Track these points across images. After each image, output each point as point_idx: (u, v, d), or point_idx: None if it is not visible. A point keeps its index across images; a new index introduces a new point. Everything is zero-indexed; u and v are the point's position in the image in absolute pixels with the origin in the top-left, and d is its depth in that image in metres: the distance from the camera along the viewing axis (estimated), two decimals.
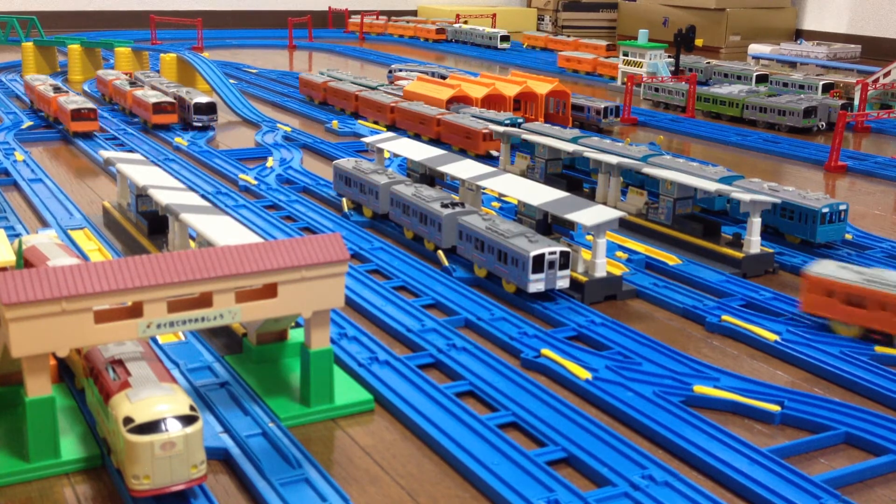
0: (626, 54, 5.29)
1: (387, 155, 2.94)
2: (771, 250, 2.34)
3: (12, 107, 4.38)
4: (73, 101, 3.77)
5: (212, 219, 1.93)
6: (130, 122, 4.10)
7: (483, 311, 1.99)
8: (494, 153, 3.47)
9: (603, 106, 4.03)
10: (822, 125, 4.24)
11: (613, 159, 2.67)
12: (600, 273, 2.09)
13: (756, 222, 2.28)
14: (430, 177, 2.78)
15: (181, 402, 1.27)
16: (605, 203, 2.70)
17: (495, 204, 2.81)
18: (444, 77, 4.69)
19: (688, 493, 1.32)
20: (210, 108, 3.92)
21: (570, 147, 2.90)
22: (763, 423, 1.57)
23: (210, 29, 7.85)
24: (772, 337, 1.87)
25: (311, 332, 1.49)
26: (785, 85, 5.03)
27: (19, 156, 3.33)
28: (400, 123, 3.91)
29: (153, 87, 4.30)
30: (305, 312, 1.45)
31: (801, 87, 4.92)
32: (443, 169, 2.57)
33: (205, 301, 1.37)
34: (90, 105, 3.74)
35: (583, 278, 2.08)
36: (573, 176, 3.06)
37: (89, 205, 2.78)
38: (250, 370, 1.66)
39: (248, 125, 4.13)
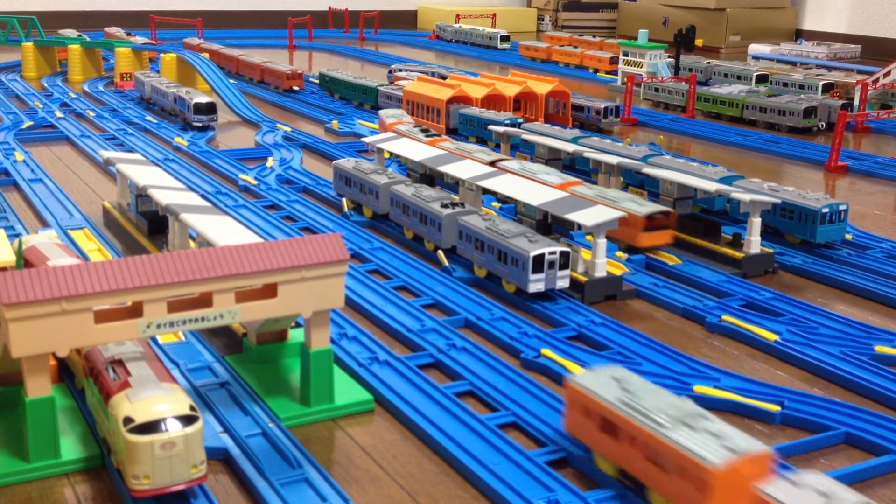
0: (626, 54, 5.29)
1: (387, 155, 2.94)
2: (771, 250, 2.34)
3: (12, 107, 4.38)
4: None
5: (212, 219, 1.93)
6: (130, 121, 4.10)
7: (483, 311, 1.99)
8: (296, 88, 4.92)
9: (603, 106, 4.03)
10: (822, 125, 4.24)
11: (613, 159, 2.67)
12: (600, 273, 2.09)
13: (756, 222, 2.28)
14: (429, 177, 2.78)
15: (181, 402, 1.27)
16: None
17: (495, 204, 2.81)
18: (444, 77, 4.70)
19: None
20: (210, 108, 3.93)
21: (570, 147, 2.90)
22: (763, 423, 1.57)
23: (210, 29, 7.85)
24: (772, 337, 1.87)
25: (311, 332, 1.49)
26: (785, 85, 5.03)
27: (19, 156, 3.33)
28: (241, 71, 5.40)
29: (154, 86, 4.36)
30: (305, 312, 1.45)
31: (801, 87, 4.92)
32: (443, 169, 2.57)
33: (205, 301, 1.37)
34: None
35: (583, 278, 2.08)
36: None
37: (89, 205, 2.78)
38: (250, 370, 1.66)
39: (248, 125, 4.13)
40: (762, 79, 5.23)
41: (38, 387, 1.30)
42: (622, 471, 1.32)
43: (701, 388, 1.64)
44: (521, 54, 6.79)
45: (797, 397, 1.62)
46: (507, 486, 1.33)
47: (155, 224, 2.28)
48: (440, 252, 2.29)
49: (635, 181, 2.80)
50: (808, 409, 1.58)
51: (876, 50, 7.14)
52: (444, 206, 2.30)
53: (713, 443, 1.17)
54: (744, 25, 7.73)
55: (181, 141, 3.65)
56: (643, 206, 2.30)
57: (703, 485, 1.13)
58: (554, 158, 3.02)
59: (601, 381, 1.36)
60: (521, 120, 3.61)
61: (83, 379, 1.46)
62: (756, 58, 6.43)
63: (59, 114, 4.19)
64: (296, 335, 1.72)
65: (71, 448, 1.39)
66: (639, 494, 1.30)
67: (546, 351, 1.77)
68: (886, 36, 7.26)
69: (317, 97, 4.81)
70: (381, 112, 3.46)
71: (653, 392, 1.32)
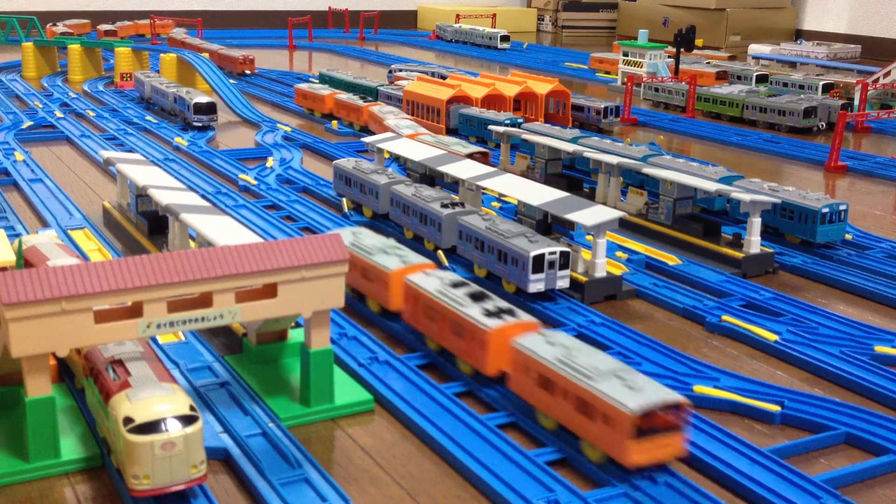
0: (626, 54, 5.29)
1: (387, 155, 2.94)
2: (771, 250, 2.34)
3: (12, 107, 4.38)
4: None
5: (212, 219, 1.93)
6: (130, 121, 4.10)
7: None
8: (248, 72, 5.48)
9: (603, 106, 4.03)
10: (822, 125, 4.24)
11: (613, 159, 2.67)
12: (600, 273, 2.09)
13: (756, 222, 2.28)
14: (430, 177, 2.78)
15: (181, 402, 1.27)
16: (605, 203, 2.70)
17: (495, 204, 2.81)
18: (444, 77, 4.70)
19: (688, 493, 1.32)
20: (210, 108, 3.92)
21: (570, 147, 2.90)
22: (763, 423, 1.57)
23: (210, 29, 7.84)
24: (772, 337, 1.87)
25: (311, 332, 1.49)
26: (785, 85, 5.02)
27: (19, 156, 3.33)
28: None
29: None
30: (305, 312, 1.45)
31: (801, 87, 4.92)
32: (443, 169, 2.57)
33: (205, 301, 1.37)
34: None
35: (583, 278, 2.08)
36: (573, 176, 3.06)
37: (89, 205, 2.78)
38: (250, 370, 1.66)
39: (248, 125, 4.13)
40: (762, 79, 5.23)
41: (38, 387, 1.30)
42: (354, 292, 2.04)
43: (701, 388, 1.64)
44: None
45: (797, 397, 1.62)
46: (507, 486, 1.33)
47: (155, 224, 2.28)
48: (440, 252, 2.29)
49: (635, 181, 2.80)
50: (808, 409, 1.58)
51: (876, 50, 7.14)
52: (444, 206, 2.30)
53: (398, 262, 1.88)
54: (744, 25, 7.73)
55: (181, 141, 3.65)
56: (466, 148, 3.00)
57: (385, 284, 1.87)
58: (554, 158, 3.02)
59: (349, 236, 2.06)
60: (521, 120, 3.61)
61: (83, 379, 1.46)
62: (756, 58, 6.43)
63: (59, 114, 4.19)
64: (296, 335, 1.72)
65: (71, 448, 1.39)
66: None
67: None
68: (886, 36, 7.26)
69: None
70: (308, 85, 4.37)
71: (380, 241, 2.02)
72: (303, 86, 4.37)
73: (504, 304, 1.64)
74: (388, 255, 1.90)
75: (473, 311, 1.61)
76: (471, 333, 1.61)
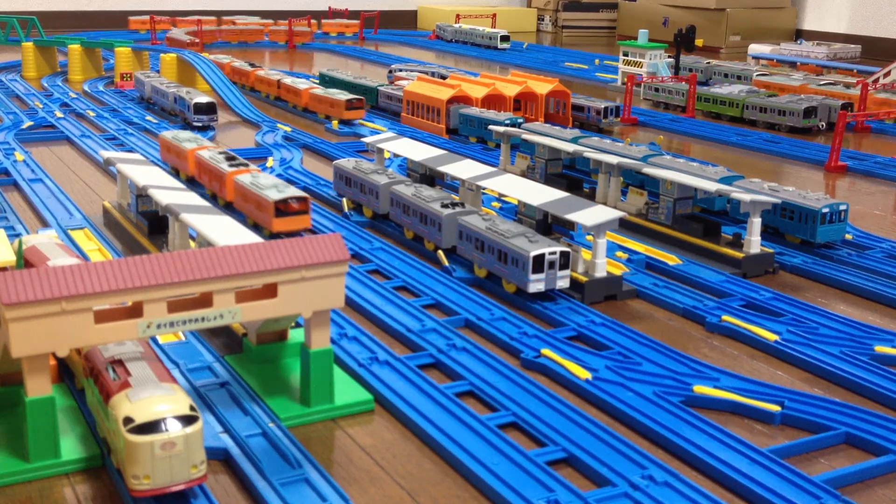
0: (626, 54, 5.29)
1: (387, 155, 2.94)
2: (771, 250, 2.34)
3: (12, 107, 4.38)
4: None
5: (212, 219, 1.93)
6: (130, 121, 4.10)
7: (483, 311, 1.99)
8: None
9: (603, 106, 4.03)
10: (822, 125, 4.24)
11: (613, 159, 2.67)
12: (600, 273, 2.09)
13: (756, 222, 2.28)
14: (430, 177, 2.78)
15: (181, 402, 1.27)
16: (605, 203, 2.70)
17: (495, 204, 2.81)
18: (444, 77, 4.70)
19: (688, 493, 1.32)
20: (210, 108, 3.92)
21: (570, 147, 2.90)
22: (763, 423, 1.57)
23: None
24: (772, 337, 1.87)
25: (311, 332, 1.49)
26: None
27: (19, 156, 3.33)
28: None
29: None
30: (305, 312, 1.45)
31: None
32: (443, 169, 2.57)
33: (205, 301, 1.37)
34: None
35: (583, 278, 2.08)
36: (573, 176, 3.06)
37: (89, 205, 2.78)
38: (250, 370, 1.66)
39: (248, 125, 4.13)
40: None
41: (38, 387, 1.30)
42: (175, 170, 3.05)
43: (701, 388, 1.64)
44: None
45: (797, 397, 1.62)
46: (507, 486, 1.33)
47: (155, 224, 2.28)
48: (440, 252, 2.29)
49: (635, 181, 2.80)
50: (808, 409, 1.58)
51: (876, 50, 7.14)
52: (444, 206, 2.30)
53: (195, 144, 2.92)
54: (744, 25, 7.73)
55: None
56: (345, 96, 4.02)
57: (186, 159, 2.90)
58: (554, 158, 3.02)
59: (171, 134, 3.06)
60: (521, 120, 3.61)
61: (83, 379, 1.46)
62: (756, 58, 6.42)
63: (59, 114, 4.19)
64: (296, 335, 1.72)
65: (71, 448, 1.39)
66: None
67: (546, 351, 1.77)
68: (886, 36, 7.26)
69: None
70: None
71: (190, 135, 3.02)
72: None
73: (243, 161, 2.65)
74: (191, 143, 2.92)
75: (224, 166, 2.60)
76: (220, 178, 2.62)
